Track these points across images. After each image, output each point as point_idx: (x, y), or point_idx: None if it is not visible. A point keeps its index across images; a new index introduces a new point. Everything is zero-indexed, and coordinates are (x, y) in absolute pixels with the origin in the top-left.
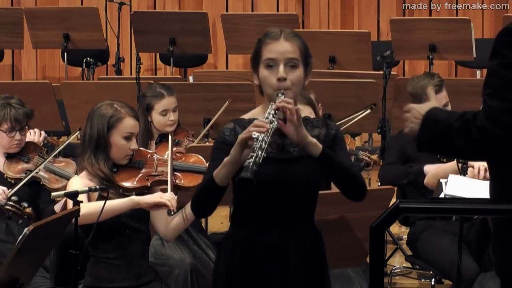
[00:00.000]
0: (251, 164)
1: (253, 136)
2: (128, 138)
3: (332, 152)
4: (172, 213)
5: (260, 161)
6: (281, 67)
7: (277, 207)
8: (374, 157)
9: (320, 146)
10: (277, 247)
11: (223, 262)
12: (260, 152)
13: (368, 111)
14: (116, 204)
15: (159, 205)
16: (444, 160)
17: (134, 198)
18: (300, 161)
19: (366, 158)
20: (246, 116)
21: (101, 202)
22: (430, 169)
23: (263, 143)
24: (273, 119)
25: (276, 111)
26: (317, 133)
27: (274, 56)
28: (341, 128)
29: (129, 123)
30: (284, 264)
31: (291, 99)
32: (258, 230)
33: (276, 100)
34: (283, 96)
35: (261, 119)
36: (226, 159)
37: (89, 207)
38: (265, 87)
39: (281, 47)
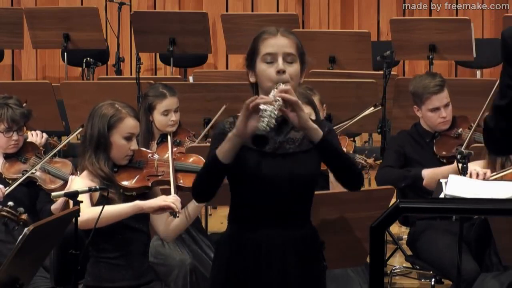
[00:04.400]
0: (265, 123)
1: (261, 107)
2: (128, 138)
3: (332, 140)
4: (177, 215)
5: (272, 126)
6: (280, 60)
7: (273, 204)
8: (370, 160)
9: (321, 132)
10: (274, 245)
11: (221, 261)
12: (269, 119)
13: (372, 108)
14: (119, 209)
15: (163, 208)
16: (444, 161)
17: (138, 203)
18: (296, 157)
19: (362, 162)
20: None
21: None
22: (428, 173)
23: (272, 113)
24: (278, 98)
25: (277, 99)
26: None
27: (273, 50)
28: (343, 128)
29: (129, 123)
30: (282, 263)
31: None
32: (255, 229)
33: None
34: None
35: (263, 96)
36: (229, 133)
37: (91, 213)
38: (264, 80)
39: (279, 42)
